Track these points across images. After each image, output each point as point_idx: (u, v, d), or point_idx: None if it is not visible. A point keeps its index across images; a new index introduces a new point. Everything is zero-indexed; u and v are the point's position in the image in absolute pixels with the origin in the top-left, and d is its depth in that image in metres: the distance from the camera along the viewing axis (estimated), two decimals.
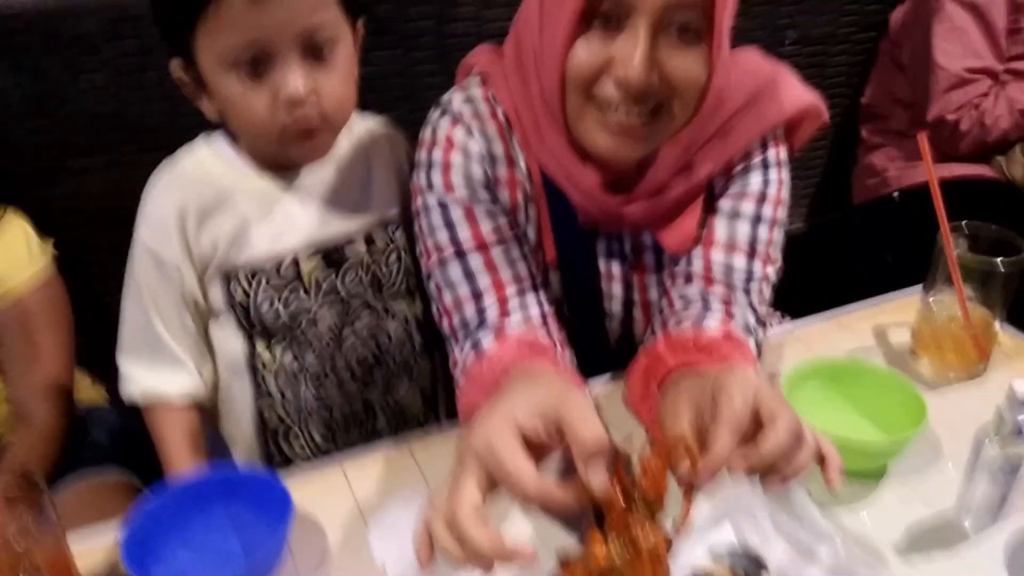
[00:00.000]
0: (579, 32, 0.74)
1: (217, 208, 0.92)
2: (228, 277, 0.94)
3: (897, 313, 1.03)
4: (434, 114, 0.89)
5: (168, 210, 0.92)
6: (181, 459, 0.96)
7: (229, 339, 0.97)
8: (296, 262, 0.95)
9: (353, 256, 0.98)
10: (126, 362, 0.99)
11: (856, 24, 1.89)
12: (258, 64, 0.82)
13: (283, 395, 1.00)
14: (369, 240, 0.99)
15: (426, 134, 0.89)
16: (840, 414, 0.84)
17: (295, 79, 0.83)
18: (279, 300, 0.96)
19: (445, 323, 0.87)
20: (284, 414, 1.02)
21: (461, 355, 0.83)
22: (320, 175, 0.96)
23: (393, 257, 1.02)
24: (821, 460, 0.61)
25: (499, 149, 0.88)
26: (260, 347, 0.98)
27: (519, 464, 0.55)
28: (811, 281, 1.69)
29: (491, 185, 0.87)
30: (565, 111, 0.80)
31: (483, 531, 0.53)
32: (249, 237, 0.93)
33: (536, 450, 0.58)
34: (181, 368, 0.97)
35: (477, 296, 0.85)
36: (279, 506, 0.69)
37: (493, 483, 0.56)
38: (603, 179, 0.84)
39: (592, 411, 0.58)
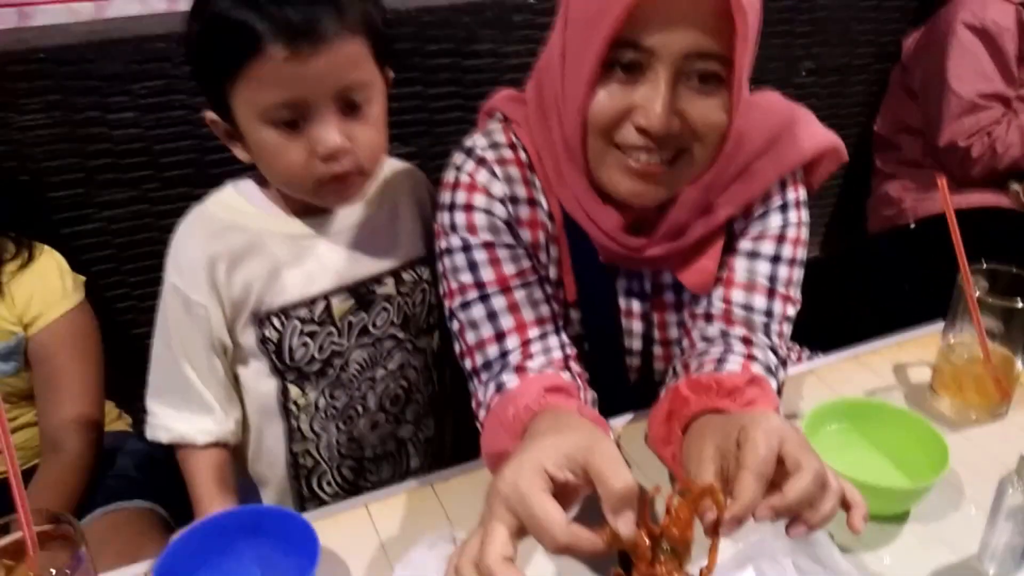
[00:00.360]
0: (601, 79, 0.76)
1: (249, 253, 0.93)
2: (261, 320, 0.95)
3: (917, 351, 1.03)
4: (458, 157, 0.91)
5: (198, 255, 0.92)
6: (210, 498, 0.96)
7: (261, 382, 0.98)
8: (328, 303, 0.96)
9: (383, 295, 1.00)
10: (155, 404, 0.99)
11: (871, 55, 1.91)
12: (295, 118, 0.83)
13: (317, 436, 1.01)
14: (398, 278, 1.00)
15: (450, 176, 0.90)
16: (862, 456, 0.84)
17: (332, 134, 0.84)
18: (312, 342, 0.97)
19: (468, 363, 0.88)
20: (317, 455, 1.02)
21: (485, 396, 0.84)
22: (349, 217, 0.97)
23: (419, 294, 1.03)
24: (846, 506, 0.62)
25: (521, 191, 0.89)
26: (293, 389, 0.98)
27: (549, 512, 0.56)
28: (829, 310, 1.70)
29: (513, 226, 0.89)
30: (586, 154, 0.81)
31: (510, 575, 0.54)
32: (281, 280, 0.94)
33: (564, 495, 0.59)
34: (208, 413, 0.97)
35: (500, 337, 0.86)
36: (306, 545, 0.70)
37: (522, 530, 0.57)
38: (624, 220, 0.85)
39: (620, 458, 0.58)
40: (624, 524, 0.55)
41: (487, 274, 0.87)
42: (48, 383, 1.11)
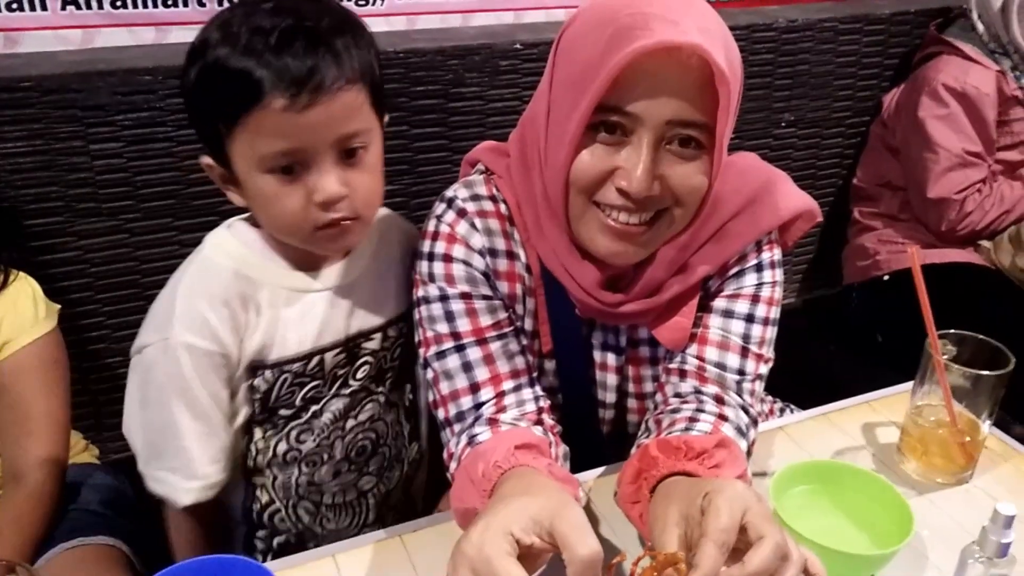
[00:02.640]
0: (585, 140, 0.77)
1: (252, 302, 0.92)
2: (254, 370, 0.93)
3: (886, 411, 1.04)
4: (439, 207, 0.92)
5: (206, 304, 0.89)
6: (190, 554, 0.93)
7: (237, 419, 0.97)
8: (322, 358, 0.96)
9: (369, 349, 0.99)
10: (150, 468, 0.94)
11: (849, 108, 1.95)
12: (293, 165, 0.83)
13: (274, 476, 1.00)
14: (385, 334, 1.00)
15: (430, 226, 0.91)
16: (828, 518, 0.85)
17: (330, 182, 0.84)
18: (298, 390, 0.96)
19: (441, 413, 0.88)
20: (272, 492, 1.01)
21: (456, 447, 0.84)
22: (345, 271, 0.97)
23: (398, 348, 1.03)
24: (807, 575, 0.63)
25: (500, 243, 0.90)
26: (256, 432, 0.98)
27: (511, 573, 0.56)
28: (804, 356, 1.72)
29: (491, 278, 0.89)
30: (567, 211, 0.83)
31: None
32: (282, 334, 0.93)
33: (529, 558, 0.59)
34: (200, 475, 0.92)
35: (474, 389, 0.86)
36: None
37: None
38: (601, 276, 0.86)
39: (586, 524, 0.59)
40: None
41: (463, 325, 0.87)
42: (12, 412, 1.09)
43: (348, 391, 1.00)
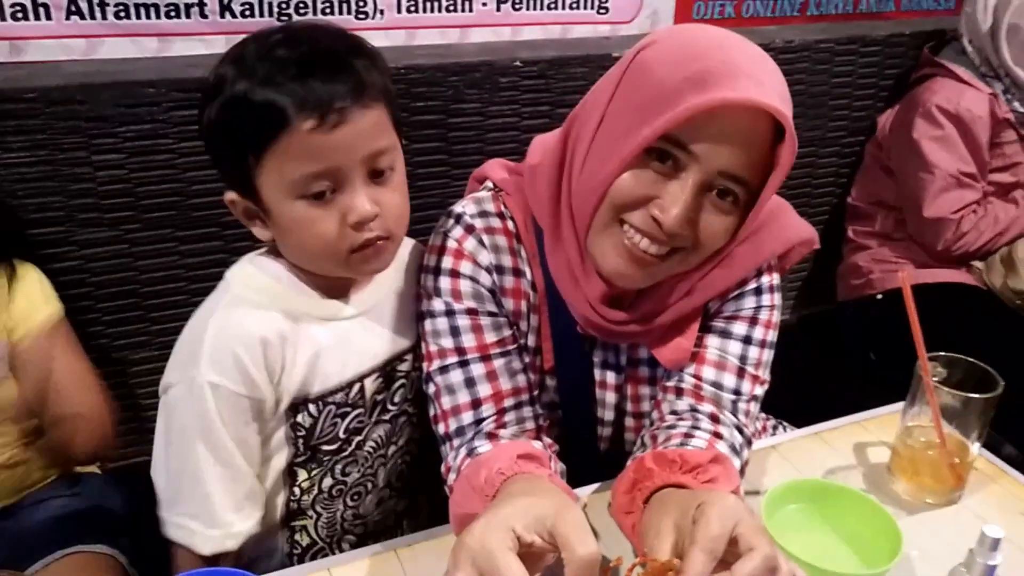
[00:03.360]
0: (636, 163, 0.78)
1: (289, 338, 0.89)
2: (296, 407, 0.92)
3: (877, 430, 1.06)
4: (447, 222, 0.93)
5: (239, 343, 0.86)
6: None
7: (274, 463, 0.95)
8: (362, 385, 0.95)
9: (403, 371, 0.99)
10: (170, 513, 0.90)
11: (844, 128, 1.97)
12: (325, 190, 0.83)
13: (317, 514, 0.99)
14: (415, 354, 0.99)
15: (437, 240, 0.92)
16: (819, 537, 0.86)
17: (363, 202, 0.84)
18: (341, 422, 0.95)
19: (441, 427, 0.89)
20: (315, 534, 1.00)
21: (455, 461, 0.86)
22: (373, 294, 0.96)
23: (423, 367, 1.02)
24: None
25: (507, 260, 0.91)
26: (300, 473, 0.96)
27: (510, 566, 0.58)
28: (799, 372, 1.73)
29: (497, 295, 0.91)
30: (590, 223, 0.84)
31: None
32: (322, 366, 0.92)
33: (530, 559, 0.61)
34: (221, 523, 0.89)
35: (476, 404, 0.87)
36: None
37: None
38: (607, 293, 0.88)
39: (587, 526, 0.61)
40: None
41: (468, 340, 0.89)
42: (44, 382, 1.08)
43: (388, 416, 1.00)
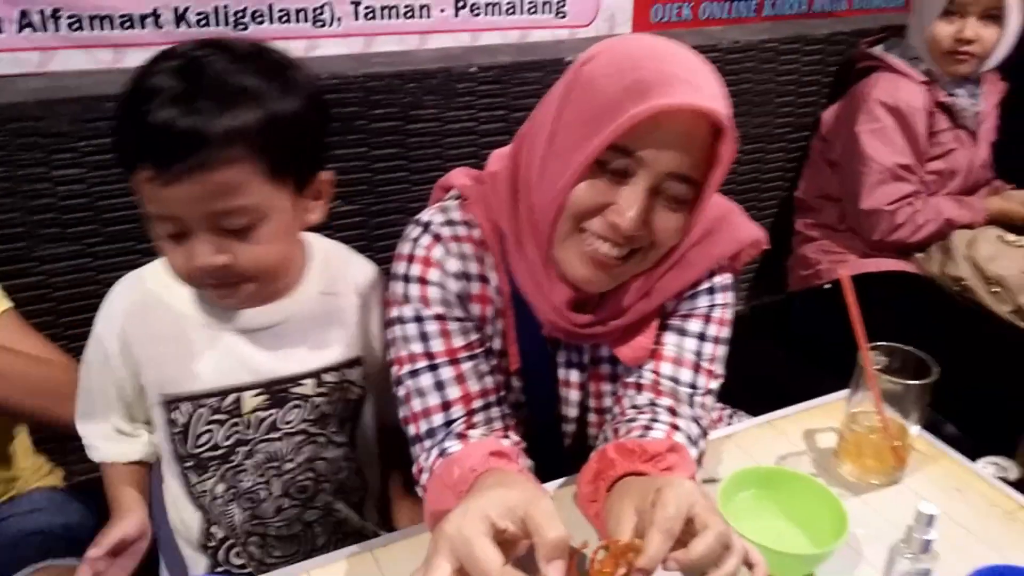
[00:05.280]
0: (588, 173, 0.82)
1: (168, 331, 0.95)
2: (169, 403, 0.96)
3: (824, 417, 1.12)
4: (414, 230, 0.96)
5: (125, 313, 0.95)
6: (128, 504, 1.01)
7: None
8: (238, 398, 0.97)
9: (299, 394, 1.00)
10: (82, 427, 1.04)
11: (790, 125, 2.05)
12: (175, 232, 0.84)
13: (221, 515, 1.03)
14: (319, 380, 1.00)
15: (405, 248, 0.95)
16: (771, 520, 0.91)
17: (203, 255, 0.84)
18: (218, 429, 0.98)
19: (412, 429, 0.93)
20: (227, 530, 1.04)
21: (427, 461, 0.89)
22: (273, 313, 0.97)
23: (339, 392, 1.03)
24: (749, 565, 0.70)
25: (473, 267, 0.95)
26: (192, 476, 1.01)
27: (488, 554, 0.62)
28: (752, 362, 1.79)
29: (464, 300, 0.94)
30: (552, 233, 0.87)
31: None
32: (194, 367, 0.95)
33: (504, 545, 0.65)
34: (127, 439, 1.03)
35: (446, 406, 0.91)
36: None
37: (463, 571, 0.63)
38: (571, 297, 0.92)
39: (556, 514, 0.66)
40: (555, 571, 0.63)
41: (437, 345, 0.92)
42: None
43: (279, 434, 1.00)
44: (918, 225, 1.85)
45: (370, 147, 1.53)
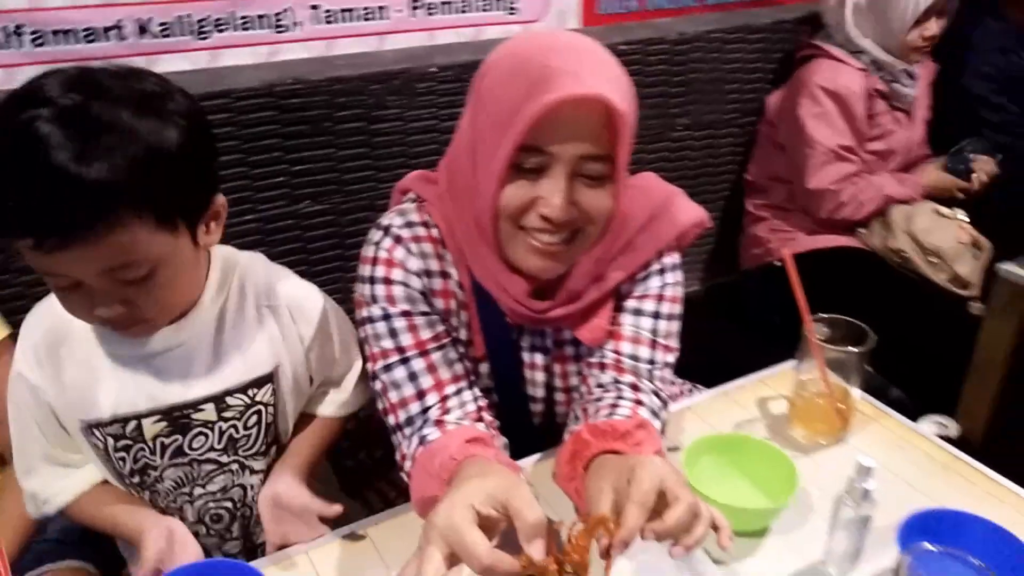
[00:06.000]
0: (510, 176, 0.89)
1: (77, 359, 0.95)
2: (88, 428, 0.97)
3: (776, 386, 1.21)
4: (376, 234, 1.01)
5: (39, 341, 0.94)
6: (136, 518, 0.99)
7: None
8: (139, 424, 0.96)
9: (202, 420, 0.99)
10: (30, 482, 1.02)
11: (738, 111, 2.13)
12: (63, 286, 0.82)
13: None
14: (220, 405, 0.99)
15: (369, 252, 1.01)
16: (731, 482, 1.00)
17: (102, 308, 0.82)
18: (127, 455, 0.98)
19: (391, 419, 0.99)
20: None
21: (409, 448, 0.96)
22: (169, 339, 0.95)
23: (251, 416, 1.02)
24: (715, 528, 0.77)
25: (434, 264, 1.01)
26: (120, 486, 1.04)
27: (476, 540, 0.68)
28: (710, 338, 1.89)
29: (428, 296, 1.00)
30: (497, 235, 0.94)
31: None
32: (96, 393, 0.95)
33: (487, 528, 0.71)
34: (80, 468, 1.02)
35: (420, 395, 0.97)
36: None
37: (454, 557, 0.69)
38: (529, 287, 0.99)
39: (533, 498, 0.72)
40: (536, 550, 0.69)
41: (406, 340, 0.98)
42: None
43: (186, 460, 1.00)
44: (861, 203, 1.95)
45: (337, 148, 1.57)
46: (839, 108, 1.94)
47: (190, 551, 0.96)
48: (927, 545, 0.77)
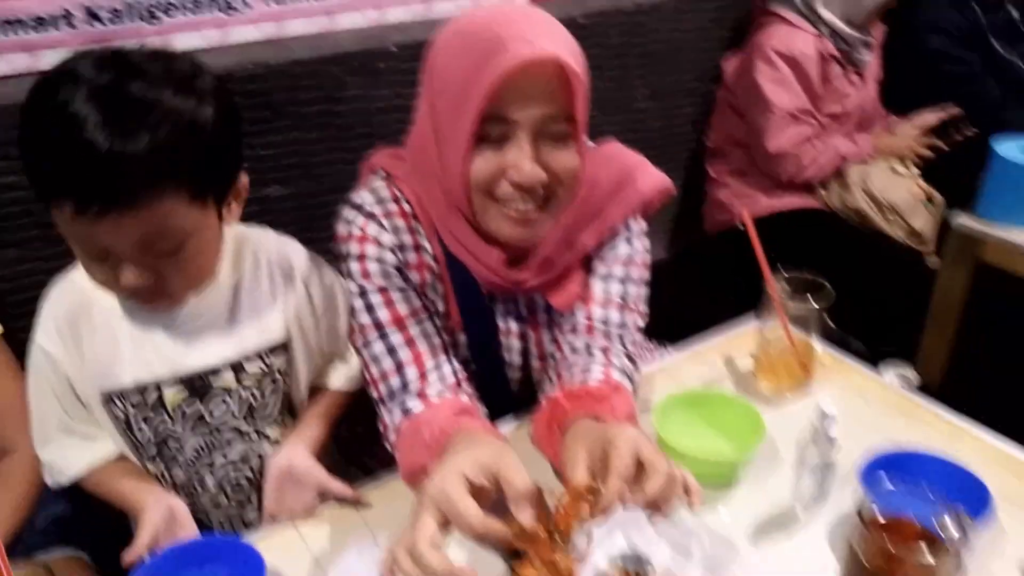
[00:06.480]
0: (475, 149, 0.91)
1: (99, 329, 0.97)
2: (108, 400, 0.99)
3: (741, 343, 1.25)
4: (348, 212, 1.03)
5: (60, 314, 0.97)
6: (143, 493, 1.00)
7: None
8: (160, 392, 0.99)
9: (220, 386, 1.01)
10: (46, 452, 1.04)
11: (697, 77, 2.17)
12: (95, 256, 0.85)
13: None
14: (238, 369, 1.01)
15: (342, 230, 1.03)
16: (700, 434, 1.04)
17: (131, 278, 0.85)
18: (147, 425, 1.00)
19: (374, 392, 1.02)
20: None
21: (392, 420, 0.98)
22: (190, 308, 0.98)
23: (268, 383, 1.04)
24: (687, 490, 0.80)
25: (407, 239, 1.03)
26: (149, 467, 1.05)
27: (468, 507, 0.72)
28: (677, 302, 1.93)
29: (403, 270, 1.02)
30: (471, 207, 0.96)
31: (437, 556, 0.70)
32: (119, 364, 0.97)
33: (478, 497, 0.74)
34: (97, 440, 1.03)
35: (400, 368, 1.00)
36: (254, 568, 0.81)
37: (446, 522, 0.72)
38: (504, 256, 1.01)
39: (522, 467, 0.75)
40: (525, 517, 0.72)
41: (383, 315, 1.00)
42: None
43: (205, 428, 1.02)
44: (820, 164, 2.00)
45: (300, 131, 1.58)
46: (795, 72, 1.98)
47: (188, 532, 0.98)
48: (886, 482, 0.81)
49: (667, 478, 0.77)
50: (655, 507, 0.77)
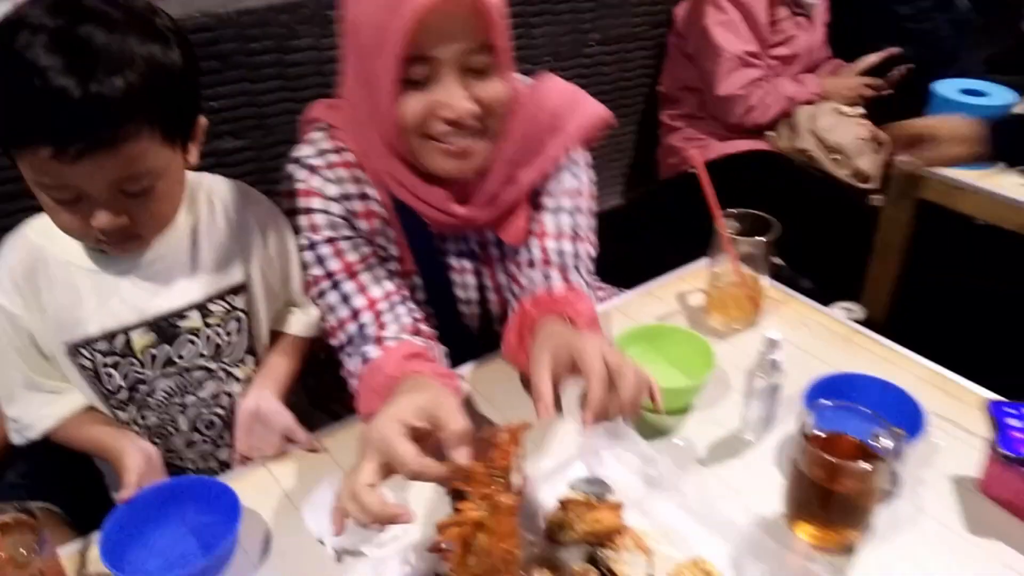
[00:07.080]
0: (403, 92, 0.92)
1: (58, 281, 0.97)
2: (73, 350, 0.99)
3: (693, 281, 1.30)
4: (290, 167, 1.04)
5: (16, 269, 0.96)
6: (119, 439, 1.00)
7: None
8: (128, 338, 0.99)
9: (187, 327, 1.02)
10: (13, 409, 1.03)
11: (648, 23, 2.18)
12: (69, 199, 0.85)
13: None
14: (204, 311, 1.02)
15: (286, 186, 1.04)
16: (655, 367, 1.08)
17: (104, 219, 0.86)
18: (116, 372, 1.01)
19: (334, 340, 1.04)
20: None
21: (352, 366, 1.01)
22: (149, 255, 0.99)
23: (233, 324, 1.05)
24: (652, 397, 0.85)
25: (352, 188, 1.04)
26: (119, 414, 1.05)
27: (406, 448, 0.74)
28: (632, 247, 1.97)
29: (350, 220, 1.04)
30: (408, 149, 0.98)
31: (375, 498, 0.73)
32: (82, 314, 0.97)
33: (418, 440, 0.77)
34: (63, 394, 1.03)
35: (355, 315, 1.02)
36: (228, 506, 0.84)
37: (388, 467, 0.75)
38: (448, 193, 1.03)
39: (459, 409, 0.78)
40: (460, 455, 0.75)
41: (334, 264, 1.02)
42: None
43: (174, 370, 1.03)
44: (767, 106, 2.04)
45: (251, 81, 1.56)
46: (742, 15, 2.00)
47: (162, 478, 0.99)
48: (825, 401, 0.87)
49: (636, 375, 0.81)
50: (628, 410, 0.81)
